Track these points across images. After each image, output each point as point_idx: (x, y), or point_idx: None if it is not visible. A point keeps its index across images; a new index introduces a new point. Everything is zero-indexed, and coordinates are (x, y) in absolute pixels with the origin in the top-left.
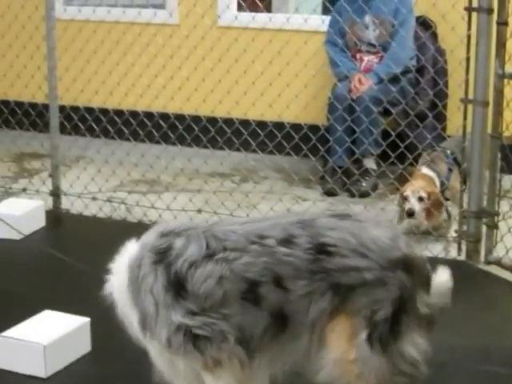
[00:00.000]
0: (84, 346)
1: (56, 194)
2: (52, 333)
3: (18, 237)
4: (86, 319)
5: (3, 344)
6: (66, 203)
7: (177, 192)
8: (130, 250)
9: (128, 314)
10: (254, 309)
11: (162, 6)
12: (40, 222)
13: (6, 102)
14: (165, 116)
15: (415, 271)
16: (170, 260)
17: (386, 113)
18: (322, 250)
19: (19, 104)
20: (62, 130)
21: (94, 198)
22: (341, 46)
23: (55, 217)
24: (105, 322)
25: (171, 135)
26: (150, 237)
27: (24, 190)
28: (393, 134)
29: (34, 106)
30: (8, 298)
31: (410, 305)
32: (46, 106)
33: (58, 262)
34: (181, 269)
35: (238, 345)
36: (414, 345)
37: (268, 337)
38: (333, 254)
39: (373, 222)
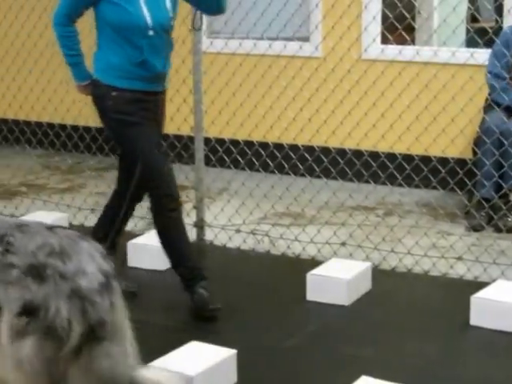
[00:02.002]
0: (231, 377)
1: (200, 225)
2: (199, 364)
3: (163, 267)
4: (233, 351)
5: None
6: (209, 235)
7: (321, 225)
8: None
9: None
10: None
11: (306, 39)
12: None
13: None
14: (310, 149)
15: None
16: None
17: None
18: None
19: (164, 136)
20: (207, 162)
21: (237, 231)
22: (507, 79)
23: (199, 248)
24: (251, 354)
25: (316, 168)
26: None
27: None
28: None
29: (179, 138)
30: (153, 329)
31: None
32: (191, 139)
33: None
34: None
35: None
36: None
37: None
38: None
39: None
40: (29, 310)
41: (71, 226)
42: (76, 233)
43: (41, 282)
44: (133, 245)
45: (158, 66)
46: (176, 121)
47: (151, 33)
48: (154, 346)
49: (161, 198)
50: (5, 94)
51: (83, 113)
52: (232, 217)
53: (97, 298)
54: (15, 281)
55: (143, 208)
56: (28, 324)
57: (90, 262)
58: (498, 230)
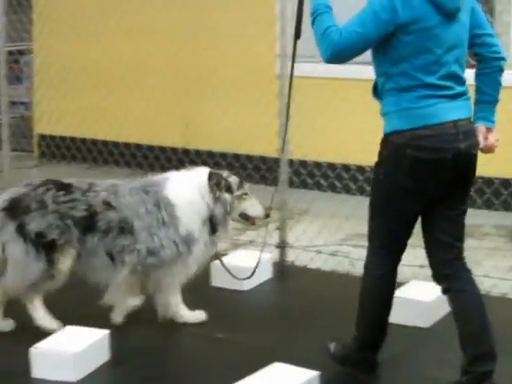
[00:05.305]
0: None
1: (282, 246)
2: None
3: (246, 288)
4: (316, 373)
5: None
6: (291, 256)
7: None
8: None
9: None
10: None
11: None
12: (267, 274)
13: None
14: None
15: None
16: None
17: None
18: None
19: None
20: (291, 183)
21: (318, 252)
22: None
23: (281, 269)
24: (335, 376)
25: None
26: None
27: (251, 241)
28: None
29: (264, 160)
30: (237, 349)
31: None
32: (276, 161)
33: (284, 313)
34: None
35: None
36: None
37: None
38: None
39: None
40: None
41: None
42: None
43: None
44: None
45: None
46: (262, 143)
47: None
48: (238, 365)
49: None
50: None
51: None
52: (314, 238)
53: None
54: None
55: None
56: None
57: None
58: None
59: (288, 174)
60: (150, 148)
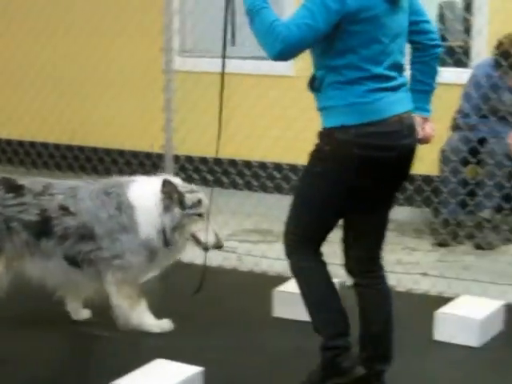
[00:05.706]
0: None
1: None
2: (163, 382)
3: None
4: (200, 369)
5: None
6: None
7: None
8: None
9: None
10: None
11: None
12: None
13: None
14: (279, 167)
15: None
16: None
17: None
18: None
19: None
20: None
21: None
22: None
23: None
24: (219, 372)
25: (285, 185)
26: None
27: None
28: None
29: (149, 155)
30: (121, 347)
31: None
32: (161, 156)
33: (168, 310)
34: None
35: None
36: None
37: None
38: None
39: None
40: None
41: None
42: None
43: None
44: None
45: None
46: (147, 139)
47: None
48: (120, 362)
49: None
50: None
51: None
52: None
53: None
54: None
55: None
56: None
57: None
58: (479, 247)
59: (174, 170)
60: (32, 144)
